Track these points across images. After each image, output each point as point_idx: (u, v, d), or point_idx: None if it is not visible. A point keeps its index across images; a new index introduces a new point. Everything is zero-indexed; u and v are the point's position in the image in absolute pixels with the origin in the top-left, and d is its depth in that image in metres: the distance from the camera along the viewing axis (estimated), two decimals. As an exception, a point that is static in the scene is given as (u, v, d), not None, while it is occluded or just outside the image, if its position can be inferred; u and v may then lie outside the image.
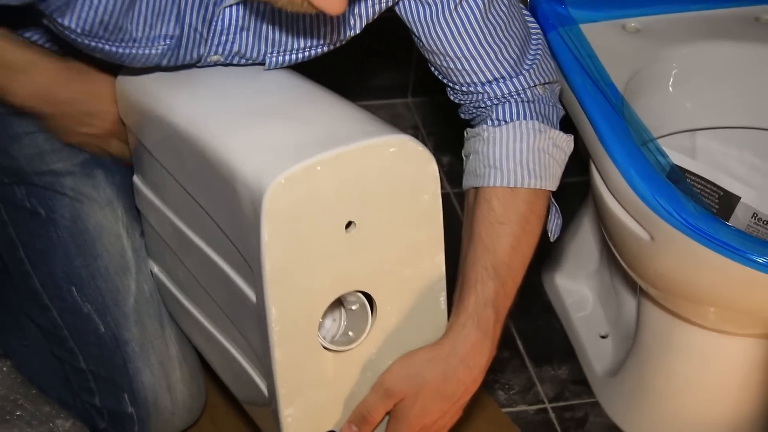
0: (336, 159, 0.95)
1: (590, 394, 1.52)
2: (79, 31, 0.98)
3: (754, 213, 1.40)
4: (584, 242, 1.58)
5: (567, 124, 1.40)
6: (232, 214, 1.00)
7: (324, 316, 1.04)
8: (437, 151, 1.86)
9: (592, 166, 1.31)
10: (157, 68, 1.09)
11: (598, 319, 1.58)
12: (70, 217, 1.23)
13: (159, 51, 1.04)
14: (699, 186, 1.42)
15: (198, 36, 1.03)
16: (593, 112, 1.27)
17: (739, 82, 1.42)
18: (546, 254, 1.68)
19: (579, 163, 1.71)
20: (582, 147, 1.41)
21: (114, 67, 1.13)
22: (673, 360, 1.39)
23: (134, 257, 1.25)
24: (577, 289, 1.61)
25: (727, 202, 1.41)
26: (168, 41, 1.03)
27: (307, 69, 1.13)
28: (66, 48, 1.09)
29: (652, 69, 1.37)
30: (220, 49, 1.06)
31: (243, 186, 0.96)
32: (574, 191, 1.80)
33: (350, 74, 1.89)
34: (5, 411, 1.34)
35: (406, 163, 1.00)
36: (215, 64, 1.10)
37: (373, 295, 1.05)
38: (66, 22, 0.97)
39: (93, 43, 1.00)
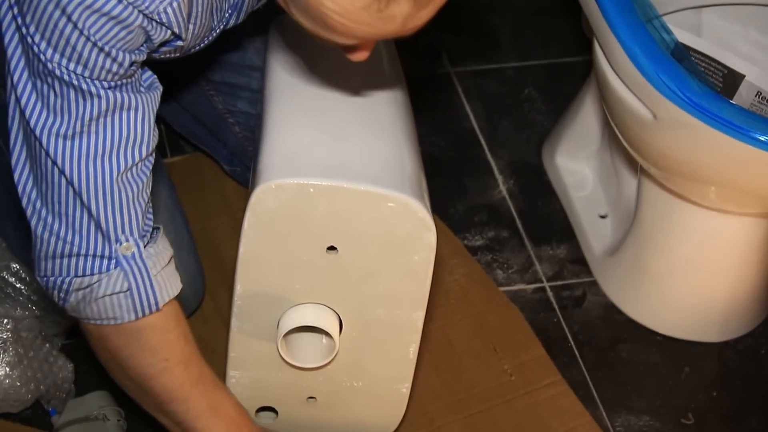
0: (330, 189, 1.00)
1: (588, 273, 1.53)
2: (189, 47, 1.05)
3: (758, 91, 1.39)
4: (585, 122, 1.57)
5: (570, 1, 1.38)
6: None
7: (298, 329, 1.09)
8: (443, 32, 1.84)
9: (596, 44, 1.30)
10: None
11: (598, 199, 1.58)
12: None
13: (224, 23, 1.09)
14: (703, 64, 1.41)
15: None
16: (598, -12, 1.24)
17: (746, -42, 1.40)
18: (546, 134, 1.67)
19: (581, 41, 1.69)
20: (585, 24, 1.39)
21: None
22: (672, 239, 1.40)
23: None
24: (578, 169, 1.61)
25: (732, 80, 1.40)
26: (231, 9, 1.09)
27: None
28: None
29: (658, -56, 1.35)
30: None
31: (258, 170, 1.04)
32: (576, 70, 1.78)
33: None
34: (6, 283, 1.33)
35: (402, 222, 1.02)
36: None
37: (342, 318, 1.09)
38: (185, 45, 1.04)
39: (193, 49, 1.06)
